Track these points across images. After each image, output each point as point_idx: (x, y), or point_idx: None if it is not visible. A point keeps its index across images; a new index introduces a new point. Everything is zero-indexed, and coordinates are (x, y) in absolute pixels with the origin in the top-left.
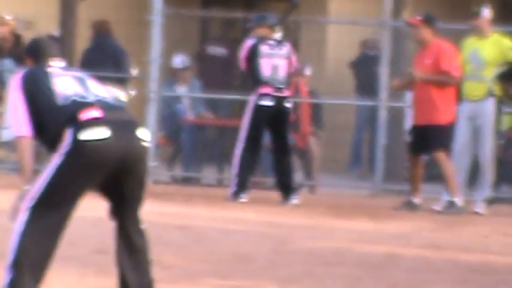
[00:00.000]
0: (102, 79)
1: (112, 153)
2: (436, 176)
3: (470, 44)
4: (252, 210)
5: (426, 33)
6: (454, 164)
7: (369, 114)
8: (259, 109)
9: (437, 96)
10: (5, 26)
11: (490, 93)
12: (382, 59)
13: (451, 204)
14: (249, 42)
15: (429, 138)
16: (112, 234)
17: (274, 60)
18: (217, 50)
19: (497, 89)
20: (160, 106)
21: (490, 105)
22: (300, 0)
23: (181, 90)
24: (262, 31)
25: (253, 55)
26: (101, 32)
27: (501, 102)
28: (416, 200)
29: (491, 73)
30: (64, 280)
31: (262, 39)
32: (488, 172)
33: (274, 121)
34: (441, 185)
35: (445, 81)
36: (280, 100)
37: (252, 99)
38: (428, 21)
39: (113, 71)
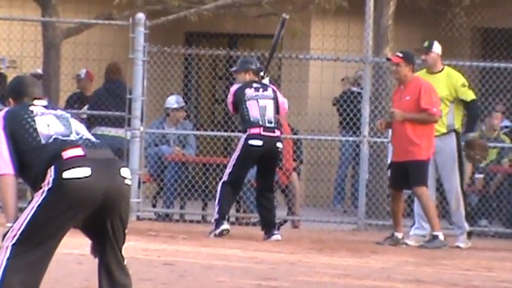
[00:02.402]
0: (109, 119)
1: (94, 191)
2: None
3: (422, 78)
4: (236, 246)
5: (406, 70)
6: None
7: (353, 150)
8: (248, 148)
9: (415, 132)
10: None
11: (450, 128)
12: (363, 94)
13: (433, 238)
14: (234, 88)
15: (409, 174)
16: (96, 271)
17: (261, 102)
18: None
19: (457, 123)
20: (145, 143)
21: (451, 140)
22: (287, 18)
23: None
24: (246, 76)
25: (239, 99)
26: (112, 74)
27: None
28: (399, 234)
29: (447, 108)
30: None
31: (246, 84)
32: (458, 206)
33: (263, 160)
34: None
35: (425, 119)
36: (270, 140)
37: (242, 138)
38: (409, 59)
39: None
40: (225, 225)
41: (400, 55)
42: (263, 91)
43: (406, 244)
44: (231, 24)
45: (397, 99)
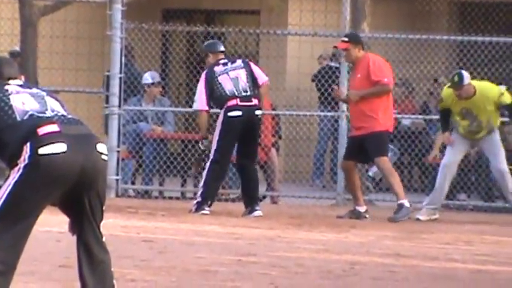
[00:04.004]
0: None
1: (70, 167)
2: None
3: (458, 102)
4: (215, 222)
5: (356, 52)
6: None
7: (331, 125)
8: (229, 121)
9: (370, 106)
10: None
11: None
12: (341, 69)
13: (400, 207)
14: (202, 75)
15: (366, 148)
16: (75, 248)
17: (231, 74)
18: None
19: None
20: (124, 120)
21: (495, 135)
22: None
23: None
24: (215, 57)
25: (211, 80)
26: (125, 58)
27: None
28: (361, 208)
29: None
30: None
31: (213, 64)
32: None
33: (244, 131)
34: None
35: (378, 91)
36: (249, 109)
37: (221, 113)
38: (356, 40)
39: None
40: (206, 211)
41: (346, 39)
42: (231, 63)
43: (365, 217)
44: (208, 1)
45: (352, 80)
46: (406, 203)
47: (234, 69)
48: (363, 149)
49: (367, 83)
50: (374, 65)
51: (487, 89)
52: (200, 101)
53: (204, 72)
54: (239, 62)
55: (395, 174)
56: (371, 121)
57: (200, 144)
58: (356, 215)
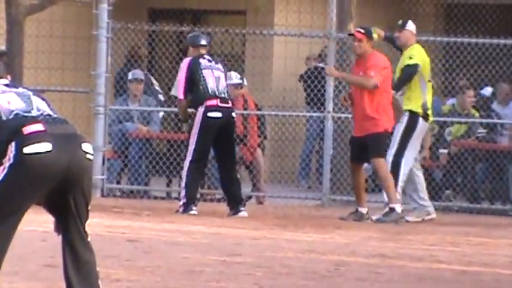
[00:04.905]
0: None
1: (55, 166)
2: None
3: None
4: (200, 222)
5: (367, 46)
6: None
7: (317, 126)
8: (207, 121)
9: (372, 106)
10: None
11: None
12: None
13: (390, 211)
14: (186, 60)
15: (368, 147)
16: (60, 248)
17: (215, 72)
18: None
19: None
20: (109, 120)
21: (403, 118)
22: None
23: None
24: (196, 51)
25: (194, 70)
26: (132, 58)
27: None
28: (363, 209)
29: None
30: None
31: (198, 56)
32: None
33: (222, 133)
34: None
35: (360, 81)
36: (227, 111)
37: (199, 111)
38: (370, 35)
39: None
40: (194, 211)
41: (363, 31)
42: (215, 63)
43: (371, 219)
44: (194, 1)
45: (354, 73)
46: (398, 208)
47: (217, 69)
48: (365, 148)
49: None
50: (376, 65)
51: (415, 47)
52: (179, 90)
53: (188, 61)
54: (220, 65)
55: (391, 177)
56: (371, 122)
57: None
58: (358, 217)
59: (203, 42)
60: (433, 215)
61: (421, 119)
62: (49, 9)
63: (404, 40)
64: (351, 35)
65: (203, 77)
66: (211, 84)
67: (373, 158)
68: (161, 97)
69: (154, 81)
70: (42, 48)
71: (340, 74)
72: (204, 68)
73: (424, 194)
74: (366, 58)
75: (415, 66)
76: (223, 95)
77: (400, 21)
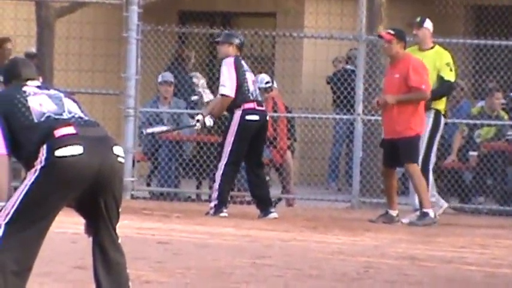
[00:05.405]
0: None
1: (87, 169)
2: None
3: (412, 54)
4: (230, 224)
5: (398, 47)
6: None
7: (347, 128)
8: (245, 124)
9: (404, 109)
10: None
11: (428, 107)
12: (357, 73)
13: (423, 216)
14: (230, 59)
15: (400, 151)
16: (90, 250)
17: (252, 75)
18: None
19: (435, 103)
20: (139, 122)
21: (428, 117)
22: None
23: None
24: (230, 49)
25: (239, 70)
26: (177, 60)
27: (444, 116)
28: (393, 212)
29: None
30: None
31: (238, 56)
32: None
33: (256, 135)
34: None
35: (416, 97)
36: (263, 115)
37: (237, 114)
38: (401, 36)
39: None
40: (224, 213)
41: (392, 32)
42: (247, 66)
43: (401, 222)
44: (224, 3)
45: (388, 76)
46: (431, 213)
47: (251, 72)
48: (397, 152)
49: (404, 85)
50: (414, 71)
51: (444, 52)
52: (231, 88)
53: (232, 59)
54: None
55: (424, 182)
56: (403, 125)
57: (206, 119)
58: (388, 219)
59: (237, 41)
60: (445, 205)
61: (443, 118)
62: (79, 11)
63: (423, 38)
64: (379, 36)
65: (245, 78)
66: (251, 87)
67: (406, 163)
68: (207, 98)
69: (200, 82)
70: (72, 50)
71: (396, 98)
72: (247, 71)
73: (433, 189)
74: (400, 60)
75: (455, 83)
76: (259, 98)
77: (418, 19)
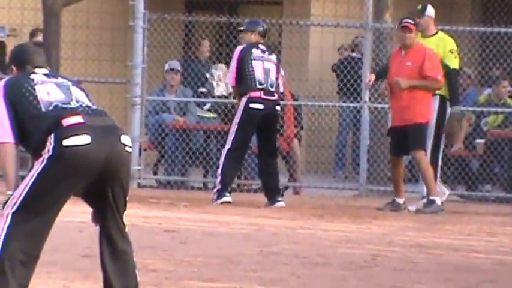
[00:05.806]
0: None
1: (94, 159)
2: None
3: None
4: (238, 212)
5: (415, 37)
6: None
7: (353, 116)
8: (249, 112)
9: (413, 96)
10: None
11: (433, 93)
12: (364, 60)
13: (430, 203)
14: (239, 48)
15: (408, 139)
16: (97, 238)
17: (266, 64)
18: None
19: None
20: (146, 111)
21: (434, 103)
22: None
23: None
24: (253, 37)
25: (244, 59)
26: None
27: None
28: (400, 199)
29: None
30: (49, 285)
31: (253, 45)
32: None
33: (263, 124)
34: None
35: (429, 86)
36: (270, 104)
37: (242, 102)
38: (417, 26)
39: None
40: (227, 198)
41: (412, 22)
42: (268, 54)
43: (408, 210)
44: None
45: (397, 63)
46: (438, 201)
47: (269, 61)
48: (405, 139)
49: (417, 74)
50: (430, 59)
51: (448, 38)
52: (232, 76)
53: (239, 49)
54: (274, 57)
55: (431, 170)
56: (413, 112)
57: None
58: (395, 207)
59: (260, 28)
60: (447, 192)
61: (448, 104)
62: (86, 0)
63: (425, 25)
64: (404, 27)
65: (252, 67)
66: (258, 76)
67: (414, 150)
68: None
69: (217, 74)
70: (79, 39)
71: (410, 82)
72: (255, 59)
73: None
74: (414, 49)
75: (459, 69)
76: (269, 88)
77: (420, 6)
